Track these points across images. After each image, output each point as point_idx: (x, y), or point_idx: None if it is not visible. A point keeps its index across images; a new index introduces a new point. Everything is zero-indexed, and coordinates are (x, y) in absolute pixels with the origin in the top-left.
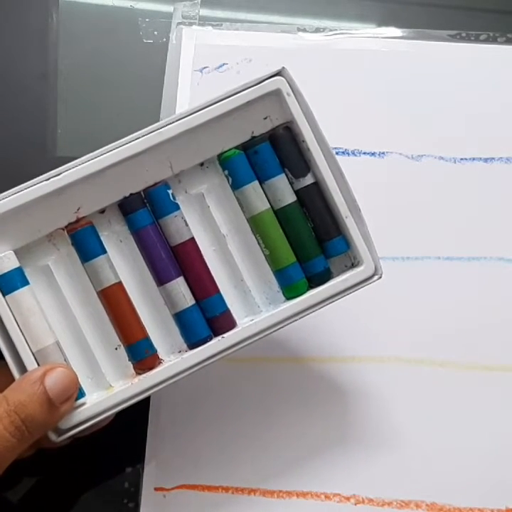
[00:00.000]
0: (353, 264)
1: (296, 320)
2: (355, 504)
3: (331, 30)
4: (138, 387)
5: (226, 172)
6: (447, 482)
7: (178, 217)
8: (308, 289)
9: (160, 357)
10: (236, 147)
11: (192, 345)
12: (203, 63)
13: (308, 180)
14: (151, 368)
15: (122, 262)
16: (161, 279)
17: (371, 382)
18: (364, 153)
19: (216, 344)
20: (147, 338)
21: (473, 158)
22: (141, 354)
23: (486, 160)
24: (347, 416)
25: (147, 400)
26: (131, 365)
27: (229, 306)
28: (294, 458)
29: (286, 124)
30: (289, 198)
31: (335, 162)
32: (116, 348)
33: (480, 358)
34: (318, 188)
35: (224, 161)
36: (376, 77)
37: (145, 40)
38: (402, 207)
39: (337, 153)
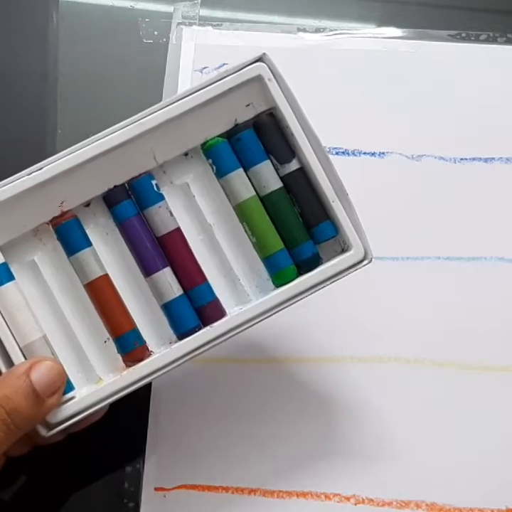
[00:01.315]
0: (342, 249)
1: (286, 307)
2: (355, 504)
3: (331, 30)
4: (127, 379)
5: (210, 161)
6: (447, 482)
7: (162, 208)
8: (297, 276)
9: (149, 348)
10: (220, 135)
11: (181, 335)
12: (203, 63)
13: (294, 165)
14: (140, 360)
15: (108, 254)
16: (148, 270)
17: (371, 382)
18: (364, 153)
19: (205, 333)
20: (135, 330)
21: (473, 158)
22: (129, 346)
23: (486, 160)
24: (347, 416)
25: (147, 399)
26: (121, 358)
27: (218, 296)
28: (294, 458)
29: (269, 110)
30: (274, 184)
31: (320, 147)
32: (105, 341)
33: (480, 358)
34: (304, 174)
35: (207, 149)
36: (376, 77)
37: (145, 40)
38: (402, 207)
39: (337, 153)
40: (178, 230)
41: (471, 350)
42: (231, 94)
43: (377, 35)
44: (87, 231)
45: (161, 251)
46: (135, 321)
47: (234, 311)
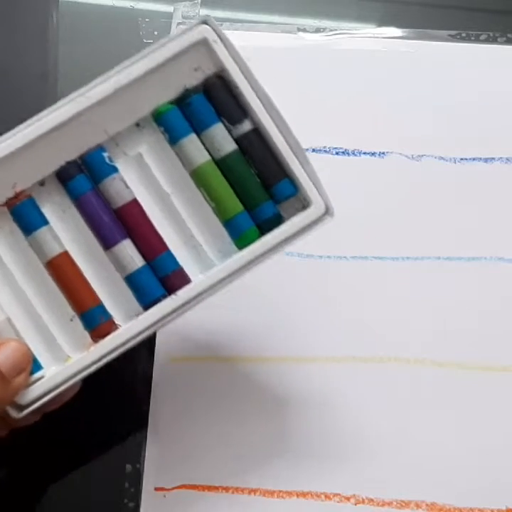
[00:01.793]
0: (304, 207)
1: (249, 269)
2: (355, 504)
3: (331, 30)
4: (95, 354)
5: (162, 128)
6: (447, 482)
7: (116, 180)
8: (259, 237)
9: (116, 322)
10: (170, 102)
11: (147, 306)
12: None
13: (247, 126)
14: (107, 335)
15: (67, 231)
16: (107, 243)
17: (371, 382)
18: (364, 153)
19: (170, 302)
20: (100, 305)
21: (474, 158)
22: (95, 321)
23: (486, 160)
24: (347, 416)
25: (147, 399)
26: (88, 334)
27: (182, 264)
28: (294, 458)
29: (218, 73)
30: (228, 146)
31: (272, 106)
32: (71, 319)
33: (480, 358)
34: (258, 134)
35: (158, 117)
36: (376, 77)
37: (145, 40)
38: (402, 207)
39: (337, 153)
40: (135, 200)
41: (471, 350)
42: (177, 60)
43: (377, 35)
44: (43, 210)
45: (120, 223)
46: (99, 296)
47: (198, 278)
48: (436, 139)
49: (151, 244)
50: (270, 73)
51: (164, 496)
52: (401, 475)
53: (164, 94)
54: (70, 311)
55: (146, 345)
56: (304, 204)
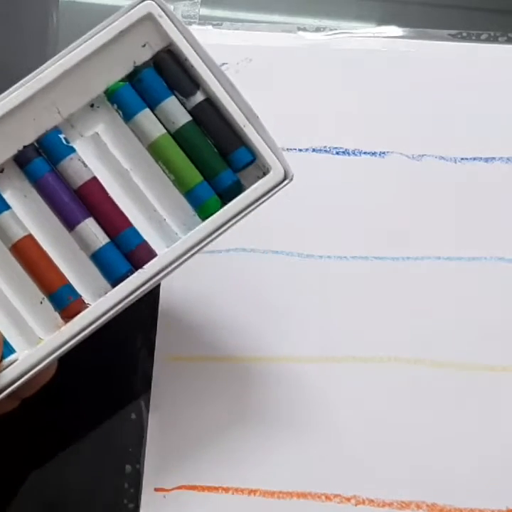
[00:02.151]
0: (264, 174)
1: (213, 239)
2: (356, 505)
3: (331, 30)
4: (66, 333)
5: (115, 106)
6: (448, 483)
7: (74, 160)
8: (222, 206)
9: (86, 302)
10: (121, 80)
11: (114, 283)
12: None
13: (199, 97)
14: (77, 314)
15: (30, 216)
16: (70, 223)
17: (371, 382)
18: (364, 153)
19: (137, 277)
20: (68, 285)
21: (474, 158)
22: (64, 301)
23: (486, 160)
24: (347, 416)
25: (147, 399)
26: (59, 316)
27: (147, 239)
28: (294, 458)
29: (167, 47)
30: (182, 118)
31: (223, 75)
32: (41, 302)
33: (480, 358)
34: (211, 104)
35: (111, 95)
36: (376, 77)
37: None
38: (402, 207)
39: (337, 153)
40: (95, 179)
41: (471, 351)
42: (124, 37)
43: (377, 34)
44: (4, 196)
45: (81, 203)
46: (66, 276)
47: (163, 251)
48: (436, 138)
49: (113, 221)
50: (270, 73)
51: (164, 497)
52: (401, 475)
53: (114, 72)
54: (39, 293)
55: (146, 345)
56: (264, 171)
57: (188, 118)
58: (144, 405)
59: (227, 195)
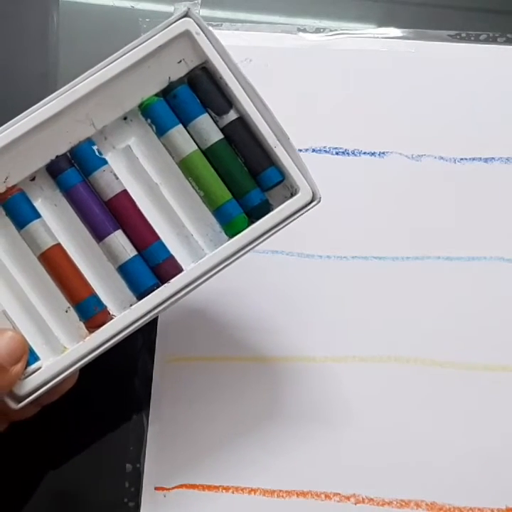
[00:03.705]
0: (292, 194)
1: (240, 256)
2: (355, 503)
3: (331, 30)
4: (91, 343)
5: (149, 121)
6: (447, 481)
7: (106, 172)
8: (249, 224)
9: (111, 313)
10: (156, 95)
11: (140, 296)
12: None
13: (232, 116)
14: (102, 325)
15: (59, 225)
16: (99, 234)
17: (371, 382)
18: (364, 153)
19: (163, 291)
20: (94, 295)
21: (473, 158)
22: (90, 312)
23: (486, 160)
24: (347, 416)
25: (147, 399)
26: (83, 325)
27: (173, 254)
28: (294, 457)
29: (202, 64)
30: (214, 136)
31: (256, 95)
32: (66, 311)
33: (480, 358)
34: (243, 123)
35: (144, 109)
36: (376, 77)
37: None
38: (402, 207)
39: (337, 153)
40: (125, 192)
41: (471, 350)
42: (161, 53)
43: (377, 35)
44: (35, 205)
45: (110, 215)
46: (93, 287)
47: (190, 267)
48: (436, 139)
49: (142, 235)
50: (270, 73)
51: (164, 496)
52: (401, 474)
53: (149, 87)
54: (64, 302)
55: (146, 345)
56: (292, 191)
57: (220, 136)
58: (145, 405)
59: (254, 214)
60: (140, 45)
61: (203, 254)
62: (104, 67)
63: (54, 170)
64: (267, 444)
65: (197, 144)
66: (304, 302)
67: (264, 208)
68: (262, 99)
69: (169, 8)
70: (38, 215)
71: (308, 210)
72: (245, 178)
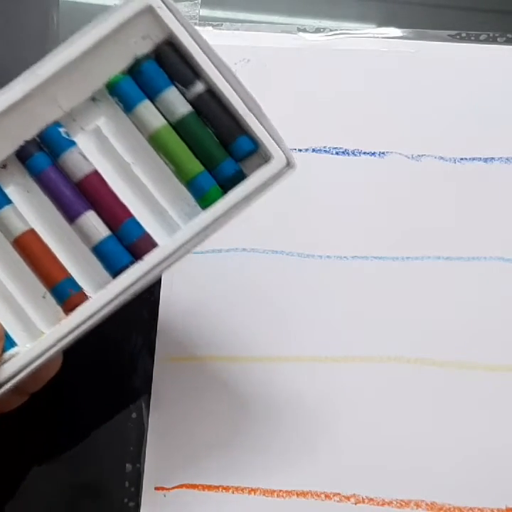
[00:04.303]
0: (266, 162)
1: (215, 229)
2: (355, 503)
3: (331, 30)
4: (67, 326)
5: (116, 99)
6: (447, 481)
7: (74, 153)
8: (223, 196)
9: (88, 295)
10: (122, 73)
11: (116, 275)
12: None
13: (200, 87)
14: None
15: (32, 210)
16: (71, 216)
17: (371, 382)
18: (364, 153)
19: (137, 268)
20: (69, 278)
21: (473, 158)
22: (65, 294)
23: (486, 160)
24: (347, 415)
25: (147, 399)
26: (61, 309)
27: (149, 231)
28: (294, 457)
29: (167, 39)
30: (183, 109)
31: (224, 65)
32: (43, 296)
33: (480, 358)
34: (212, 94)
35: (111, 88)
36: (376, 77)
37: None
38: (402, 207)
39: (337, 153)
40: (96, 172)
41: (472, 350)
42: (124, 30)
43: (378, 35)
44: (7, 192)
45: (82, 196)
46: (68, 269)
47: (164, 242)
48: (436, 139)
49: (114, 214)
50: (270, 73)
51: (164, 496)
52: (401, 474)
53: (115, 65)
54: (41, 287)
55: (146, 345)
56: (266, 159)
57: (188, 108)
58: (145, 404)
59: (228, 184)
60: (101, 23)
61: (179, 230)
62: (67, 48)
63: (23, 155)
64: (267, 444)
65: (166, 118)
66: (304, 302)
67: (239, 179)
68: (230, 69)
69: None
70: (8, 201)
71: (284, 177)
72: (216, 149)
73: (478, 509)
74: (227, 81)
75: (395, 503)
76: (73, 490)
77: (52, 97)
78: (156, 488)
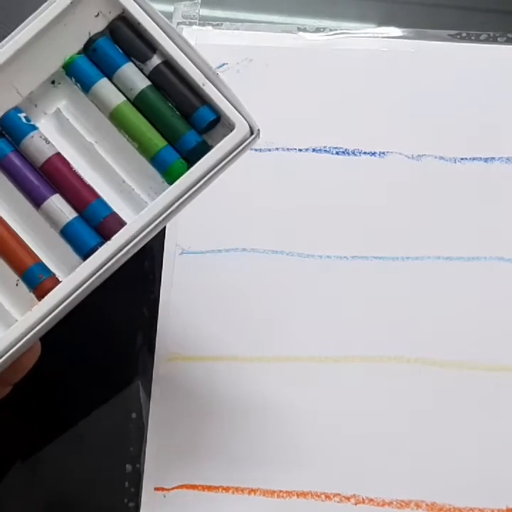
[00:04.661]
0: (231, 132)
1: (183, 203)
2: (356, 504)
3: (331, 30)
4: (38, 312)
5: (73, 80)
6: (447, 482)
7: (35, 138)
8: (188, 168)
9: (60, 279)
10: (78, 53)
11: (85, 257)
12: None
13: (156, 61)
14: None
15: None
16: (36, 201)
17: (371, 381)
18: (364, 153)
19: (106, 248)
20: (39, 263)
21: (473, 158)
22: (35, 280)
23: (486, 160)
24: (347, 415)
25: (147, 399)
26: (34, 296)
27: (117, 211)
28: (295, 458)
29: (121, 15)
30: (141, 83)
31: (179, 36)
32: (16, 284)
33: (480, 358)
34: (169, 66)
35: (67, 69)
36: (376, 77)
37: None
38: (402, 207)
39: (337, 153)
40: (58, 155)
41: (472, 350)
42: (75, 9)
43: (377, 34)
44: None
45: (46, 180)
46: (38, 255)
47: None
48: (436, 138)
49: (80, 195)
50: (270, 73)
51: (164, 496)
52: (401, 475)
53: (70, 45)
54: (13, 275)
55: (146, 345)
56: (231, 129)
57: (146, 83)
58: (144, 405)
59: (193, 157)
60: (52, 4)
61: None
62: (20, 32)
63: None
64: (267, 444)
65: (124, 95)
66: (304, 302)
67: (203, 150)
68: (185, 39)
69: (169, 8)
70: None
71: (248, 145)
72: (177, 121)
73: (478, 509)
74: (183, 52)
75: (395, 503)
76: (73, 490)
77: (9, 83)
78: (156, 489)
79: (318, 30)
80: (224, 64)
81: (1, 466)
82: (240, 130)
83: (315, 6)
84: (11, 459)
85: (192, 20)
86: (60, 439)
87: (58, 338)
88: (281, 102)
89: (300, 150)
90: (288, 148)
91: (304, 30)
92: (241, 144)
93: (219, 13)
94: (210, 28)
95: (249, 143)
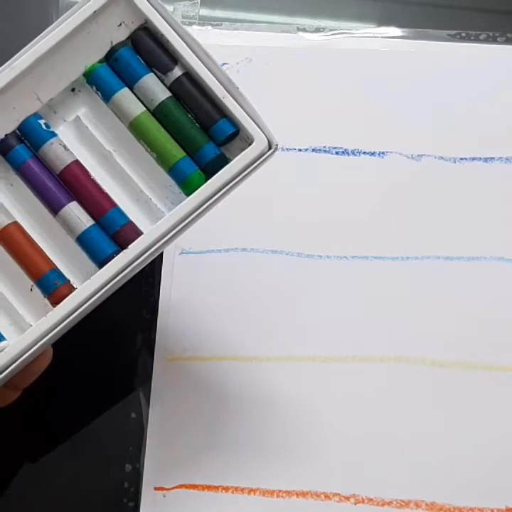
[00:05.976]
0: (249, 146)
1: (199, 215)
2: (355, 504)
3: (330, 30)
4: (53, 318)
5: (94, 88)
6: (447, 482)
7: (55, 144)
8: (206, 180)
9: (75, 286)
10: (100, 62)
11: (101, 265)
12: None
13: (178, 72)
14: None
15: (16, 203)
16: (54, 207)
17: (371, 381)
18: (364, 153)
19: (122, 257)
20: (55, 270)
21: (473, 158)
22: (51, 286)
23: (486, 160)
24: (347, 415)
25: (147, 399)
26: (48, 302)
27: (134, 220)
28: (294, 458)
29: (143, 25)
30: (161, 95)
31: (201, 48)
32: (30, 289)
33: (480, 358)
34: (190, 78)
35: (88, 77)
36: (376, 77)
37: None
38: (402, 207)
39: (337, 153)
40: (77, 162)
41: (471, 350)
42: (98, 18)
43: (377, 34)
44: None
45: (64, 187)
46: (54, 261)
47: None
48: (436, 139)
49: (97, 203)
50: (270, 73)
51: (164, 496)
52: (401, 474)
53: (92, 54)
54: (28, 281)
55: (146, 345)
56: (249, 142)
57: (167, 94)
58: (144, 405)
59: (211, 169)
60: (75, 12)
61: (163, 217)
62: (41, 40)
63: (4, 148)
64: (267, 444)
65: (145, 105)
66: (304, 302)
67: (221, 163)
68: (206, 52)
69: (169, 8)
70: None
71: (266, 159)
72: (197, 133)
73: (478, 509)
74: (204, 64)
75: (394, 503)
76: (72, 490)
77: (29, 90)
78: (156, 489)
79: (317, 30)
80: (224, 64)
81: (1, 467)
82: (259, 144)
83: (315, 6)
84: (11, 459)
85: (192, 20)
86: (60, 438)
87: (58, 339)
88: (281, 102)
89: (300, 150)
90: (288, 149)
91: (304, 30)
92: (259, 158)
93: (219, 13)
94: (209, 28)
95: (267, 157)
